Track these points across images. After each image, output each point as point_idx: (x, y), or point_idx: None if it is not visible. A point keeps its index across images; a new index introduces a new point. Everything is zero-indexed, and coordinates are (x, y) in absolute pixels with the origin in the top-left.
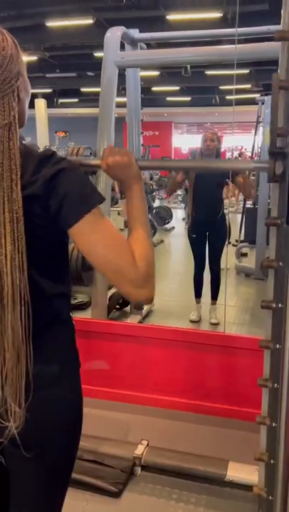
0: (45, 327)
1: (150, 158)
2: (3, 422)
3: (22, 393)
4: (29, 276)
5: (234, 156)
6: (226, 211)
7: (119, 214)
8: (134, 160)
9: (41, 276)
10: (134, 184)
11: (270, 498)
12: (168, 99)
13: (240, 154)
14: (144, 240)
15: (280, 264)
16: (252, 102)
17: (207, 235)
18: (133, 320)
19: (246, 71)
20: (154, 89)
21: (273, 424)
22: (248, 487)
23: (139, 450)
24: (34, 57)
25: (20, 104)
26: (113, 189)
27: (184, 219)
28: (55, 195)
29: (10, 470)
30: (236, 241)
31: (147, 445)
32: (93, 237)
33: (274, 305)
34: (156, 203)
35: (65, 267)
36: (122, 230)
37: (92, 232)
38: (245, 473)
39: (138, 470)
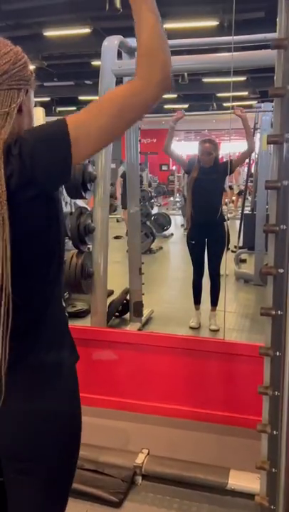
0: (32, 324)
1: (148, 166)
2: None
3: None
4: (16, 272)
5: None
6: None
7: (118, 221)
8: None
9: (29, 274)
10: None
11: (272, 507)
12: (165, 106)
13: None
14: (150, 26)
15: (279, 270)
16: (249, 108)
17: (206, 241)
18: (133, 327)
19: (243, 78)
20: None
21: (274, 432)
22: (249, 495)
23: (140, 459)
24: (32, 67)
25: (20, 117)
26: (112, 196)
27: (182, 225)
28: (36, 166)
29: (6, 483)
30: (235, 247)
31: (148, 454)
32: (93, 128)
33: (273, 312)
34: (155, 210)
35: (54, 266)
36: (119, 237)
37: (88, 127)
38: (246, 481)
39: (139, 479)
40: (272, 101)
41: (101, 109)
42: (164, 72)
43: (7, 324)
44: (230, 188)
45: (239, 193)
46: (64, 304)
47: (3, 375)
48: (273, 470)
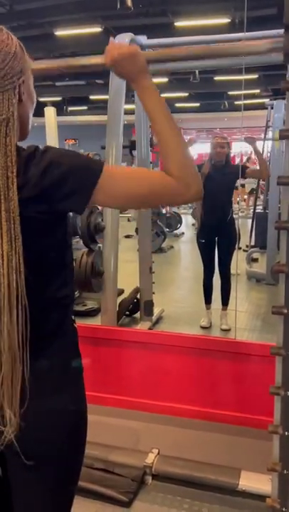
0: (45, 332)
1: (160, 165)
2: None
3: (17, 399)
4: (28, 279)
5: (243, 161)
6: (235, 216)
7: (129, 220)
8: (139, 50)
9: (39, 281)
10: (142, 78)
11: (284, 510)
12: (177, 105)
13: (248, 159)
14: (172, 142)
15: None
16: (261, 106)
17: (216, 240)
18: (143, 326)
19: (255, 76)
20: (162, 95)
21: (286, 433)
22: (261, 497)
23: (150, 459)
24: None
25: (21, 106)
26: None
27: (193, 225)
28: (56, 190)
29: (11, 481)
30: (247, 246)
31: (158, 454)
32: (117, 189)
33: (285, 310)
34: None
35: (65, 274)
36: (130, 236)
37: (112, 189)
38: (258, 482)
39: (149, 479)
40: (284, 98)
41: (136, 179)
42: (200, 185)
43: (26, 335)
44: (242, 185)
45: (251, 192)
46: (74, 317)
47: (27, 384)
48: (285, 471)
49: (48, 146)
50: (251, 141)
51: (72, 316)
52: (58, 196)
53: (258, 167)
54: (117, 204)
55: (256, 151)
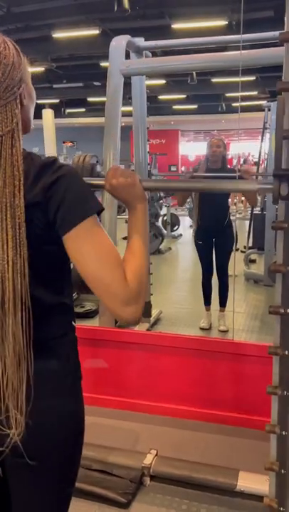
0: (45, 335)
1: (157, 166)
2: (3, 429)
3: (23, 399)
4: (29, 284)
5: (240, 163)
6: (233, 218)
7: (126, 222)
8: (138, 181)
9: (41, 285)
10: (138, 204)
11: (282, 509)
12: (174, 107)
13: (244, 161)
14: (140, 255)
15: (288, 268)
16: (259, 108)
17: (214, 241)
18: (141, 328)
19: (252, 78)
20: (160, 97)
21: (283, 433)
22: (259, 497)
23: (148, 460)
24: (41, 68)
25: (23, 110)
26: None
27: (191, 226)
28: (53, 202)
29: (10, 481)
30: (245, 247)
31: (156, 455)
32: (86, 246)
33: (282, 310)
34: (164, 211)
35: (66, 278)
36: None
37: (86, 240)
38: (256, 483)
39: (147, 480)
40: None
41: (102, 252)
42: (140, 311)
43: (30, 337)
44: None
45: None
46: (74, 317)
47: (31, 384)
48: (282, 471)
49: (67, 164)
50: (248, 177)
51: (73, 322)
52: (53, 210)
53: (254, 168)
54: (72, 254)
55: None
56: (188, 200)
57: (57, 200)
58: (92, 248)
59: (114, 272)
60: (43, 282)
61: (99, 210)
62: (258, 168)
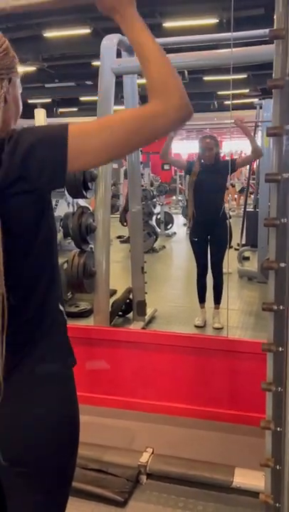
0: (34, 334)
1: (150, 166)
2: None
3: None
4: (14, 263)
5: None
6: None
7: (120, 221)
8: None
9: (29, 278)
10: (128, 9)
11: (277, 505)
12: None
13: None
14: (161, 58)
15: (281, 265)
16: (250, 106)
17: (208, 238)
18: (136, 326)
19: (244, 76)
20: None
21: (278, 429)
22: (255, 494)
23: (144, 458)
24: (33, 68)
25: (5, 107)
26: (114, 196)
27: (184, 224)
28: (28, 166)
29: (5, 487)
30: (238, 245)
31: (152, 453)
32: (93, 141)
33: (275, 307)
34: (157, 209)
35: (54, 269)
36: (122, 237)
37: (87, 143)
38: (252, 479)
39: (143, 478)
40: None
41: (106, 127)
42: (184, 98)
43: (2, 326)
44: (232, 185)
45: (241, 191)
46: (63, 308)
47: (1, 380)
48: (277, 467)
49: (23, 129)
50: (239, 123)
51: (64, 317)
52: (34, 174)
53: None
54: (100, 160)
55: (245, 131)
56: (180, 198)
57: (29, 164)
58: (95, 141)
59: (126, 119)
60: (23, 270)
61: (67, 129)
62: (250, 166)
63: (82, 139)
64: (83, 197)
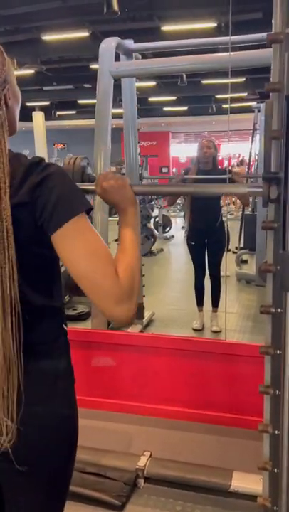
0: (37, 341)
1: (148, 168)
2: None
3: (14, 406)
4: (18, 288)
5: (232, 164)
6: (224, 219)
7: (118, 224)
8: (128, 184)
9: (31, 289)
10: (129, 207)
11: (275, 508)
12: (165, 109)
13: (242, 161)
14: (132, 253)
15: (278, 268)
16: (249, 109)
17: (206, 241)
18: (134, 329)
19: (242, 79)
20: (150, 99)
21: (276, 432)
22: (253, 497)
23: (142, 462)
24: (31, 71)
25: (8, 111)
26: None
27: (183, 227)
28: (40, 201)
29: (3, 486)
30: (236, 248)
31: (150, 456)
32: (76, 244)
33: (273, 310)
34: (156, 212)
35: (56, 281)
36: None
37: (75, 239)
38: (250, 482)
39: (141, 482)
40: None
41: (91, 248)
42: (134, 309)
43: (20, 342)
44: None
45: None
46: (65, 321)
47: (22, 390)
48: (275, 470)
49: (54, 163)
50: (238, 179)
51: (64, 325)
52: (41, 209)
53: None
54: (65, 263)
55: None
56: (179, 201)
57: (43, 199)
58: (81, 246)
59: (106, 270)
60: (33, 286)
61: (88, 209)
62: (248, 170)
63: (75, 233)
64: None
